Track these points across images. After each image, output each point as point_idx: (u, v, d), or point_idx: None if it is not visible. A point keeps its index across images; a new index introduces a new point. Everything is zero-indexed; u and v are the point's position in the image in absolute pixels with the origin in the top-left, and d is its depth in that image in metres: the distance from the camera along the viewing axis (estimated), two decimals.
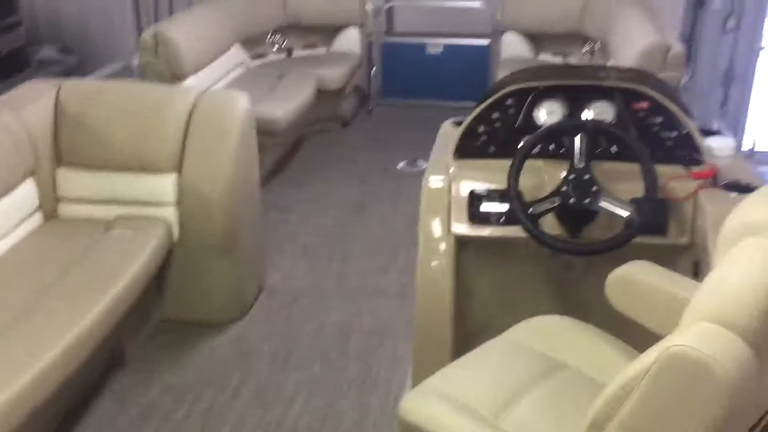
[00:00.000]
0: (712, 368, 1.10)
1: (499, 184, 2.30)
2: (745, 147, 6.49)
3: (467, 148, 2.47)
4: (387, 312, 3.19)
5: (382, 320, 3.13)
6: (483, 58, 5.75)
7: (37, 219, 2.93)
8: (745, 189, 2.16)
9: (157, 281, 2.99)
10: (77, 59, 6.40)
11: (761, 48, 6.32)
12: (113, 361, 2.81)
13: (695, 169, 2.31)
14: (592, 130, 2.23)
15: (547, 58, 5.39)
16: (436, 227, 2.37)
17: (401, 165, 4.76)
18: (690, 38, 6.18)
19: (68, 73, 4.91)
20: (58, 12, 6.69)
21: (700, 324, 1.17)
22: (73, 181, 3.01)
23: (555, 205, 2.19)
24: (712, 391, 1.11)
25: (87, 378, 2.65)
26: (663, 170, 2.26)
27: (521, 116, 2.44)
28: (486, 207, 2.35)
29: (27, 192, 2.87)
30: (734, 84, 6.34)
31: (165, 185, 2.96)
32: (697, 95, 6.08)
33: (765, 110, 6.64)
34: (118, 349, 2.82)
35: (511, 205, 2.22)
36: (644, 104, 2.38)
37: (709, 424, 1.13)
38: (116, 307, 2.47)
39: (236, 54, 5.07)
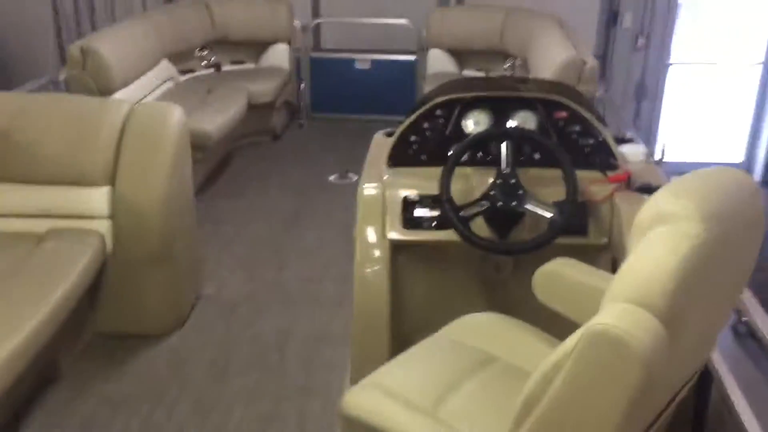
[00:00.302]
0: (630, 343, 1.23)
1: (431, 190, 2.41)
2: (657, 156, 6.87)
3: (400, 157, 2.57)
4: (323, 319, 3.25)
5: (319, 327, 3.20)
6: (410, 74, 5.92)
7: None
8: (655, 191, 2.33)
9: (91, 294, 2.97)
10: None
11: (670, 64, 6.73)
12: (47, 375, 2.78)
13: (611, 174, 2.48)
14: (517, 138, 2.37)
15: (471, 73, 5.61)
16: (372, 233, 2.46)
17: (333, 177, 4.85)
18: (604, 55, 6.52)
19: None
20: None
21: (617, 305, 1.30)
22: (2, 196, 2.96)
23: (484, 208, 2.32)
24: (630, 364, 1.23)
25: (21, 393, 2.61)
26: (582, 175, 2.42)
27: (450, 126, 2.56)
28: (419, 212, 2.45)
29: None
30: (646, 98, 6.73)
31: (98, 198, 2.94)
32: (612, 108, 6.40)
33: (675, 122, 7.06)
34: (52, 363, 2.78)
35: (442, 210, 2.33)
36: (564, 114, 2.54)
37: (628, 394, 1.25)
38: (50, 322, 2.44)
39: (165, 68, 5.06)
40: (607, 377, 1.26)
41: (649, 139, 6.69)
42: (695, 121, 7.35)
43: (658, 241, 1.33)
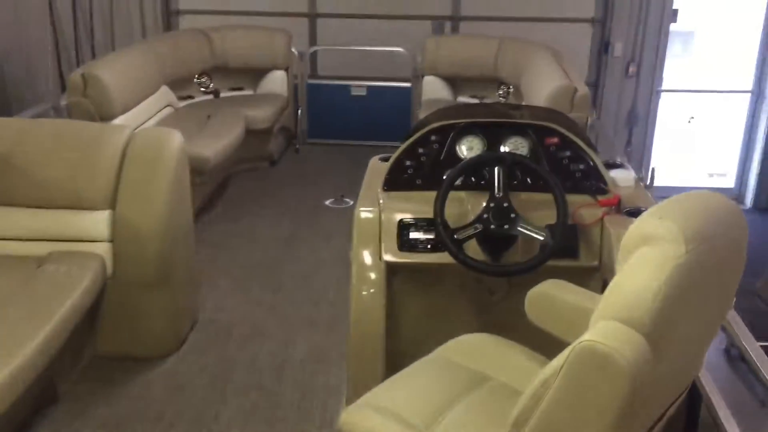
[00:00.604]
0: (616, 358, 1.28)
1: (426, 213, 2.47)
2: (647, 181, 6.96)
3: (395, 181, 2.63)
4: (320, 342, 3.29)
5: (315, 350, 3.23)
6: (405, 100, 6.01)
7: None
8: None
9: (90, 316, 3.00)
10: None
11: (661, 90, 6.85)
12: (46, 397, 2.79)
13: (601, 198, 2.54)
14: (509, 163, 2.44)
15: (465, 100, 5.71)
16: (368, 255, 2.51)
17: (329, 201, 4.91)
18: (596, 83, 6.64)
19: None
20: None
21: (604, 322, 1.35)
22: (3, 219, 3.00)
23: (477, 231, 2.37)
24: (616, 378, 1.28)
25: (19, 415, 2.63)
26: (573, 199, 2.48)
27: (444, 151, 2.63)
28: (414, 235, 2.51)
29: None
30: (637, 124, 6.83)
31: (99, 222, 2.99)
32: (604, 135, 6.50)
33: (665, 147, 7.17)
34: (50, 386, 2.80)
35: (437, 233, 2.39)
36: (555, 140, 2.61)
37: (615, 407, 1.30)
38: (49, 344, 2.47)
39: (164, 95, 5.14)
40: (595, 392, 1.31)
41: (641, 164, 6.78)
42: (686, 148, 7.46)
43: (644, 261, 1.38)
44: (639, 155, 6.89)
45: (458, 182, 2.53)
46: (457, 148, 2.63)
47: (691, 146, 7.67)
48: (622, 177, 2.69)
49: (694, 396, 2.07)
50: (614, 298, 1.39)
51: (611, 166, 2.80)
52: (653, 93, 6.80)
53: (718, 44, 7.48)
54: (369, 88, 6.07)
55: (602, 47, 6.57)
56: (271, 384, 2.99)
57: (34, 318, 2.49)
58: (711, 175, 7.59)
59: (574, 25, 6.51)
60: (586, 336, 1.33)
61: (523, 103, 4.61)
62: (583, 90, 4.19)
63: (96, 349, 3.09)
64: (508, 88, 5.43)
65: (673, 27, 6.61)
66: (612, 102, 6.74)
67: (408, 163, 2.63)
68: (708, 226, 1.43)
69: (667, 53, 6.68)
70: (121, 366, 3.05)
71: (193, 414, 2.80)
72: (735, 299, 2.05)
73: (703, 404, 2.08)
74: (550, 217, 2.38)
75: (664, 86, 6.89)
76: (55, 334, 2.50)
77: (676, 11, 6.53)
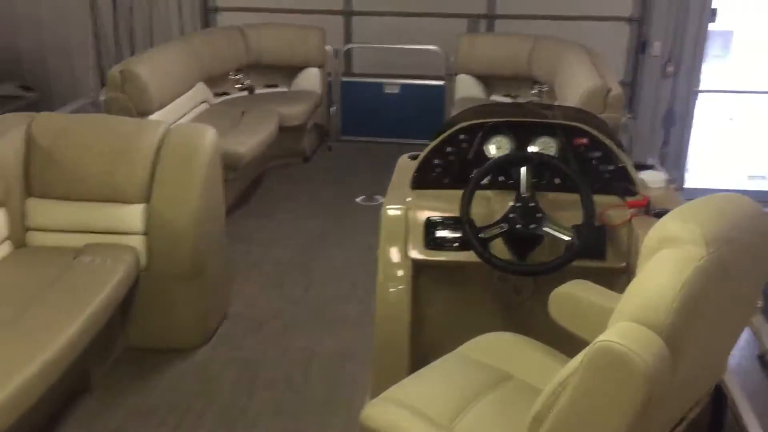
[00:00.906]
0: (633, 359, 1.28)
1: (453, 212, 2.48)
2: (688, 184, 6.86)
3: (423, 179, 2.65)
4: (349, 338, 3.32)
5: (344, 346, 3.26)
6: (438, 98, 6.01)
7: (6, 248, 3.00)
8: None
9: (124, 308, 3.08)
10: (37, 95, 6.49)
11: (699, 91, 6.73)
12: (79, 386, 2.87)
13: (630, 199, 2.53)
14: (536, 162, 2.44)
15: (498, 98, 5.68)
16: (395, 253, 2.53)
17: (360, 199, 4.94)
18: (633, 82, 6.56)
19: (28, 109, 4.98)
20: (17, 49, 6.77)
21: (623, 323, 1.36)
22: (42, 211, 3.10)
23: (503, 230, 2.38)
24: (633, 380, 1.29)
25: (53, 403, 2.71)
26: (601, 200, 2.47)
27: (473, 150, 2.64)
28: (441, 233, 2.52)
29: None
30: (674, 124, 6.73)
31: (134, 215, 3.06)
32: (640, 136, 6.43)
33: (704, 149, 7.05)
34: (84, 374, 2.88)
35: (463, 231, 2.40)
36: (584, 140, 2.60)
37: (631, 407, 1.30)
38: (84, 334, 2.54)
39: (200, 91, 5.23)
40: (611, 392, 1.32)
41: (677, 165, 6.68)
42: (726, 149, 7.33)
43: (664, 263, 1.38)
44: (676, 156, 6.79)
45: (486, 181, 2.54)
46: (486, 147, 2.64)
47: (730, 148, 7.53)
48: (652, 178, 2.66)
49: (720, 399, 2.05)
50: (634, 299, 1.39)
51: (642, 167, 2.78)
52: (691, 93, 6.68)
53: (757, 44, 7.33)
54: (402, 85, 6.09)
55: (639, 46, 6.48)
56: (299, 378, 3.03)
57: (69, 308, 2.57)
58: (751, 177, 7.44)
59: (611, 24, 6.43)
60: (604, 336, 1.33)
61: (556, 103, 4.58)
62: (617, 90, 4.15)
63: (128, 340, 3.17)
64: (542, 87, 5.40)
65: (711, 26, 6.49)
66: (649, 102, 6.65)
67: (436, 161, 2.64)
68: (731, 229, 1.42)
69: (705, 53, 6.57)
70: (153, 357, 3.12)
71: (221, 406, 2.85)
72: (763, 305, 2.03)
73: (729, 408, 2.06)
74: (577, 217, 2.38)
75: (703, 86, 6.78)
76: (89, 324, 2.57)
77: (714, 11, 6.41)
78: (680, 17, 6.33)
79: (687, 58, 6.51)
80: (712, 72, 6.86)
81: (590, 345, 1.35)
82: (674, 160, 6.78)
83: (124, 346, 3.16)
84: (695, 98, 6.76)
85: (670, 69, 6.54)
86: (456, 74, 5.79)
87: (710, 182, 6.65)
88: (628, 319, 1.35)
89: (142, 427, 2.72)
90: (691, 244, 1.36)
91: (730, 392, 2.07)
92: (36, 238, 3.10)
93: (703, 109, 6.89)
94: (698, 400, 1.73)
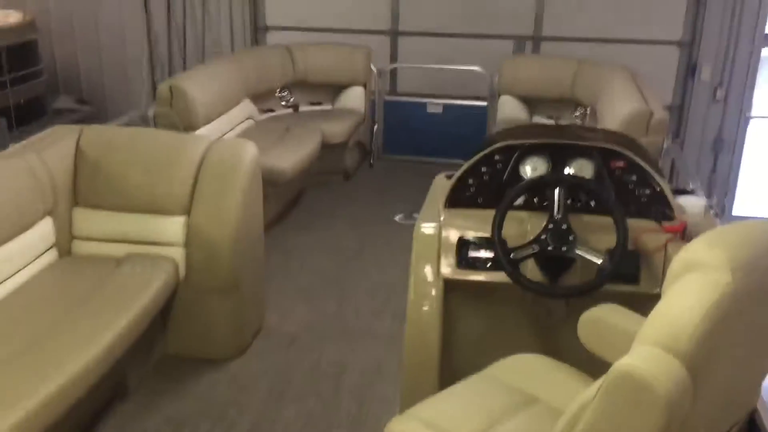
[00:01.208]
0: (653, 385, 1.27)
1: (486, 232, 2.48)
2: (736, 211, 6.70)
3: (457, 199, 2.66)
4: (380, 353, 3.34)
5: (375, 361, 3.28)
6: (481, 119, 6.01)
7: (52, 255, 3.11)
8: None
9: (162, 317, 3.15)
10: (92, 109, 6.71)
11: (750, 117, 6.59)
12: (117, 391, 2.95)
13: (666, 224, 2.49)
14: (570, 184, 2.42)
15: (540, 120, 5.66)
16: (427, 271, 2.54)
17: (398, 217, 4.96)
18: (681, 107, 6.46)
19: (83, 121, 5.17)
20: (76, 64, 7.04)
21: (644, 347, 1.34)
22: (87, 221, 3.20)
23: (535, 251, 2.37)
24: (652, 406, 1.27)
25: (92, 406, 2.79)
26: (637, 224, 2.44)
27: (508, 170, 2.64)
28: (473, 253, 2.52)
29: (44, 229, 3.05)
30: (723, 150, 6.60)
31: (174, 227, 3.14)
32: (687, 161, 6.31)
33: (753, 176, 6.88)
34: (122, 379, 2.96)
35: (494, 251, 2.40)
36: (621, 163, 2.58)
37: None
38: (123, 339, 2.62)
39: (246, 107, 5.33)
40: (629, 417, 1.30)
41: (726, 192, 6.54)
42: None
43: (689, 288, 1.37)
44: (724, 183, 6.65)
45: (520, 202, 2.54)
46: (521, 168, 2.63)
47: None
48: (690, 204, 2.62)
49: (753, 430, 2.00)
50: (656, 323, 1.38)
51: (682, 192, 2.74)
52: (742, 119, 6.55)
53: None
54: (445, 105, 6.12)
55: (689, 71, 6.39)
56: (329, 392, 3.05)
57: (109, 315, 2.65)
58: None
59: (661, 48, 6.36)
60: (625, 360, 1.32)
61: (598, 126, 4.55)
62: (660, 114, 4.10)
63: (166, 348, 3.24)
64: (585, 109, 5.36)
65: (765, 52, 6.37)
66: (697, 127, 6.54)
67: (471, 181, 2.65)
68: (760, 256, 1.40)
69: (758, 79, 6.44)
70: (189, 366, 3.18)
71: (253, 416, 2.89)
72: None
73: None
74: (612, 240, 2.36)
75: (754, 113, 6.63)
76: (128, 331, 2.65)
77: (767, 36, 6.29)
78: (732, 41, 6.23)
79: (738, 83, 6.39)
80: (765, 98, 6.71)
81: (611, 369, 1.34)
82: (722, 186, 6.64)
83: (162, 354, 3.24)
84: (746, 124, 6.62)
85: (720, 94, 6.43)
86: (499, 95, 5.80)
87: (759, 210, 6.48)
88: (651, 343, 1.34)
89: None
90: (716, 270, 1.35)
91: (764, 425, 2.02)
92: (81, 247, 3.20)
93: (755, 135, 6.74)
94: (729, 429, 1.69)
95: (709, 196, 6.38)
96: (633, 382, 1.29)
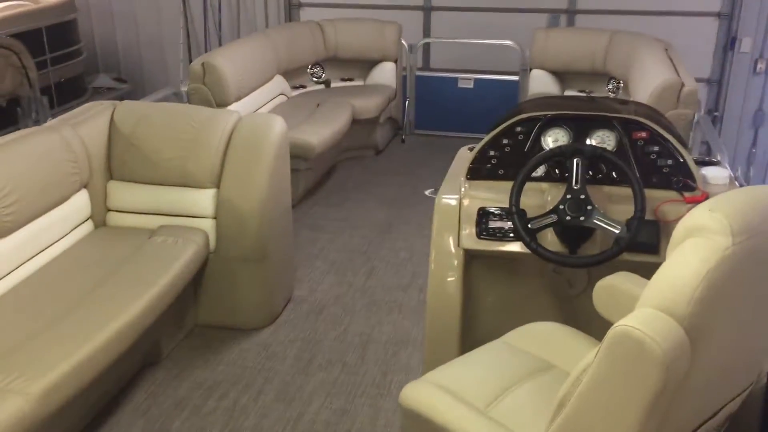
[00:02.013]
0: (650, 345, 1.30)
1: (506, 203, 2.49)
2: (744, 180, 6.54)
3: (479, 170, 2.68)
4: (405, 325, 3.40)
5: (400, 332, 3.34)
6: (512, 93, 5.98)
7: (88, 226, 3.23)
8: None
9: (194, 287, 3.25)
10: (130, 87, 6.86)
11: None
12: (150, 358, 3.07)
13: (688, 195, 2.48)
14: (588, 155, 2.43)
15: (572, 93, 5.61)
16: (448, 241, 2.58)
17: (428, 192, 4.99)
18: (719, 80, 6.34)
19: (121, 99, 5.32)
20: (114, 43, 7.18)
21: (643, 309, 1.37)
22: (121, 193, 3.31)
23: (553, 221, 2.39)
24: (648, 365, 1.30)
25: (125, 371, 2.91)
26: (658, 194, 2.44)
27: (529, 142, 2.64)
28: (494, 223, 2.55)
29: (81, 202, 3.17)
30: (764, 124, 6.45)
31: (204, 199, 3.23)
32: (726, 136, 6.20)
33: None
34: (155, 347, 3.07)
35: (512, 221, 2.42)
36: (643, 134, 2.57)
37: (647, 394, 1.32)
38: (154, 307, 2.72)
39: (277, 84, 5.40)
40: (627, 377, 1.33)
41: (766, 167, 6.41)
42: None
43: (690, 252, 1.39)
44: (764, 157, 6.52)
45: (541, 173, 2.55)
46: (543, 139, 2.64)
47: None
48: (713, 175, 2.60)
49: None
50: (657, 287, 1.40)
51: (704, 163, 2.72)
52: None
53: None
54: (476, 80, 6.10)
55: (728, 43, 6.25)
56: (354, 361, 3.12)
57: (140, 283, 2.75)
58: None
59: (698, 19, 6.23)
60: (623, 321, 1.35)
61: (630, 99, 4.50)
62: (691, 85, 4.03)
63: (198, 317, 3.34)
64: (618, 82, 5.29)
65: None
66: (737, 101, 6.40)
67: (492, 153, 2.67)
68: (762, 220, 1.41)
69: None
70: (220, 334, 3.29)
71: (280, 383, 2.98)
72: None
73: None
74: (631, 212, 2.35)
75: None
76: (159, 299, 2.74)
77: None
78: None
79: None
80: None
81: (609, 330, 1.37)
82: (763, 160, 6.51)
83: (194, 323, 3.34)
84: None
85: (761, 66, 6.28)
86: (531, 69, 5.75)
87: None
88: (650, 306, 1.37)
89: (206, 398, 2.89)
90: (716, 234, 1.36)
91: None
92: (115, 219, 3.31)
93: None
94: (740, 393, 1.70)
95: (747, 169, 6.28)
96: (630, 343, 1.32)
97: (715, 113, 6.37)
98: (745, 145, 6.44)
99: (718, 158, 3.05)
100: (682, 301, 1.33)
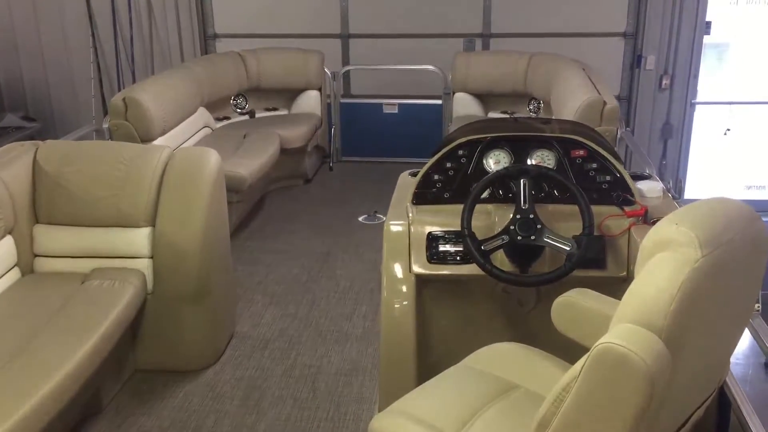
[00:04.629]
0: (633, 360, 1.32)
1: (455, 226, 2.52)
2: (687, 194, 6.90)
3: (424, 195, 2.69)
4: (353, 354, 3.35)
5: (349, 362, 3.29)
6: (437, 117, 6.09)
7: (14, 274, 3.04)
8: None
9: (131, 331, 3.11)
10: (40, 125, 6.58)
11: (695, 103, 6.80)
12: (91, 408, 2.91)
13: (628, 209, 2.57)
14: (534, 174, 2.48)
15: (495, 115, 5.75)
16: (398, 268, 2.57)
17: (362, 218, 4.99)
18: (629, 97, 6.64)
19: (32, 138, 5.09)
20: (20, 79, 6.88)
21: (622, 325, 1.39)
22: (49, 238, 3.14)
23: (504, 242, 2.42)
24: (634, 380, 1.32)
25: (65, 426, 2.74)
26: (600, 210, 2.51)
27: (472, 165, 2.68)
28: (443, 247, 2.56)
29: (5, 249, 2.99)
30: (671, 136, 6.79)
31: (140, 238, 3.11)
32: (633, 147, 6.48)
33: (702, 160, 7.10)
34: (94, 397, 2.91)
35: (464, 244, 2.44)
36: (581, 152, 2.65)
37: (634, 408, 1.34)
38: (93, 357, 2.57)
39: (201, 116, 5.29)
40: (613, 393, 1.35)
41: (676, 177, 6.73)
42: (723, 160, 7.38)
43: (661, 266, 1.42)
44: (673, 168, 6.85)
45: (486, 195, 2.58)
46: (485, 161, 2.69)
47: (727, 159, 7.58)
48: (649, 188, 2.71)
49: (724, 402, 2.08)
50: (632, 302, 1.43)
51: (639, 177, 2.83)
52: (688, 105, 6.76)
53: (754, 56, 7.39)
54: (401, 105, 6.17)
55: (634, 61, 6.56)
56: (306, 396, 3.05)
57: (77, 332, 2.60)
58: (749, 188, 7.49)
59: (606, 40, 6.52)
60: (605, 338, 1.37)
61: (553, 117, 4.64)
62: (612, 103, 4.21)
63: (137, 362, 3.20)
64: (539, 103, 5.46)
65: (707, 39, 6.58)
66: (646, 115, 6.72)
67: (436, 177, 2.69)
68: (724, 231, 1.46)
69: (702, 66, 6.65)
70: (162, 378, 3.15)
71: (230, 424, 2.88)
72: (761, 308, 2.06)
73: (733, 411, 2.08)
74: (577, 228, 2.41)
75: (699, 98, 6.85)
76: (98, 348, 2.61)
77: (709, 23, 6.50)
78: (674, 31, 6.42)
79: (682, 71, 6.59)
80: (709, 84, 6.92)
81: (592, 348, 1.38)
82: (672, 171, 6.84)
83: (134, 368, 3.20)
84: (692, 110, 6.83)
85: (666, 82, 6.62)
86: (453, 93, 5.87)
87: (709, 193, 6.68)
88: (628, 321, 1.39)
89: None
90: (685, 247, 1.40)
91: (734, 396, 2.09)
92: (44, 264, 3.14)
93: (701, 120, 6.96)
94: (703, 402, 1.75)
95: (676, 181, 6.58)
96: (615, 359, 1.34)
97: (627, 128, 6.66)
98: (655, 157, 6.75)
99: (647, 172, 3.17)
100: (659, 314, 1.36)
